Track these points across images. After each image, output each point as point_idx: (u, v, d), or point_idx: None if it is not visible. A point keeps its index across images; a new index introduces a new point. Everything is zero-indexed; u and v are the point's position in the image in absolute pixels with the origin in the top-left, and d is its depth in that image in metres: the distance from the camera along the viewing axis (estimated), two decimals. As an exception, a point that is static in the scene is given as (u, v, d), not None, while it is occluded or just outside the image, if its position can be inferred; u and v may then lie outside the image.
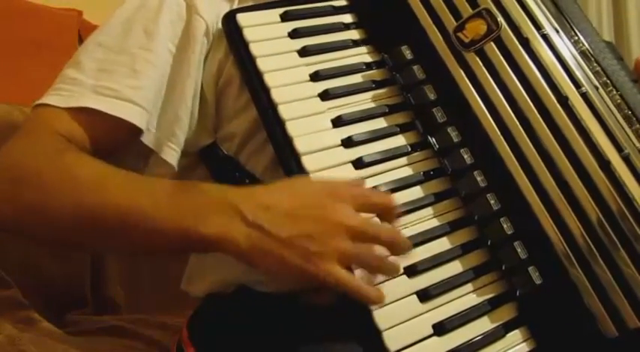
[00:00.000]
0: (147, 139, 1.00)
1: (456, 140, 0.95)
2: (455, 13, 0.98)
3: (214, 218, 0.82)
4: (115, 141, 0.99)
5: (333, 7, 1.05)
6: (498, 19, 0.95)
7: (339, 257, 0.81)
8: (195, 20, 1.02)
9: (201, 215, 0.83)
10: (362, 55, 1.03)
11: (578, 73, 0.93)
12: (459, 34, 0.96)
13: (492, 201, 0.92)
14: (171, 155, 1.00)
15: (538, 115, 0.92)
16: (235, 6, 1.05)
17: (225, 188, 0.87)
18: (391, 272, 0.85)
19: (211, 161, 1.06)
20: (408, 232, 0.90)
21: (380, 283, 0.86)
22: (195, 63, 1.01)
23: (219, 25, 1.03)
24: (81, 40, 1.77)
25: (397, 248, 0.85)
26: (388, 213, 0.86)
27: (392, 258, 0.85)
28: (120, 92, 0.96)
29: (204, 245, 0.83)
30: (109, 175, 0.89)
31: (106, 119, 0.95)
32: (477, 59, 0.95)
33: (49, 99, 0.96)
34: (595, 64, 0.95)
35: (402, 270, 0.87)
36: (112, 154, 0.99)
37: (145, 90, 0.98)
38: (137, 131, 0.98)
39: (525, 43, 0.94)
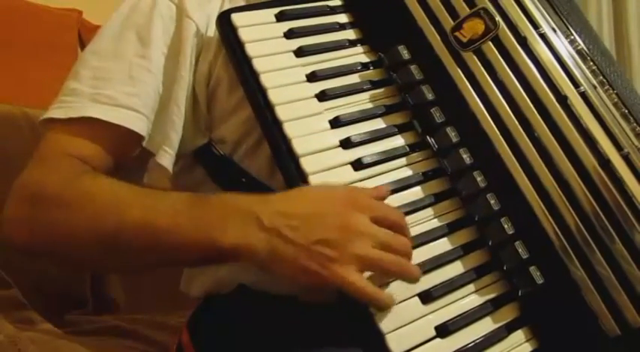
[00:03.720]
0: (146, 143, 0.95)
1: (455, 140, 0.89)
2: (452, 12, 0.92)
3: (232, 227, 0.78)
4: (121, 149, 0.95)
5: (329, 6, 1.00)
6: (496, 19, 0.90)
7: (357, 262, 0.76)
8: (185, 22, 0.97)
9: (219, 226, 0.78)
10: (358, 55, 0.97)
11: (577, 72, 0.88)
12: (457, 34, 0.91)
13: (492, 201, 0.86)
14: (166, 158, 0.96)
15: (537, 115, 0.86)
16: (226, 6, 1.00)
17: (241, 196, 0.82)
18: (411, 280, 0.80)
19: (207, 161, 1.01)
20: (408, 233, 0.84)
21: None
22: (187, 65, 0.97)
23: (209, 27, 0.99)
24: (81, 40, 1.74)
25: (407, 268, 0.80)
26: (399, 231, 0.81)
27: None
28: (117, 99, 0.92)
29: (224, 255, 0.79)
30: (126, 194, 0.85)
31: (107, 127, 0.91)
32: (475, 59, 0.90)
33: (53, 112, 0.93)
34: (591, 63, 0.90)
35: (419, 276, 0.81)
36: (124, 165, 0.96)
37: (142, 96, 0.94)
38: (137, 137, 0.94)
39: (523, 42, 0.89)
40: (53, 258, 0.91)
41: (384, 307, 0.78)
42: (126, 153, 0.96)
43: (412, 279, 0.80)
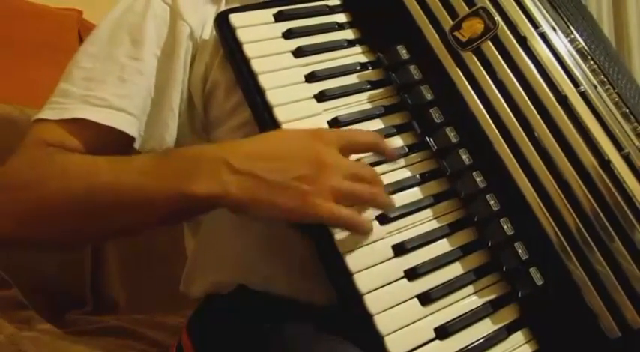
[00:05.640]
0: (137, 145, 0.94)
1: (454, 140, 0.87)
2: (451, 11, 0.90)
3: (203, 174, 0.77)
4: (110, 151, 0.92)
5: (327, 6, 0.98)
6: (495, 18, 0.88)
7: (332, 193, 0.76)
8: (179, 25, 0.95)
9: (189, 175, 0.77)
10: (357, 55, 0.95)
11: (577, 72, 0.87)
12: (456, 33, 0.89)
13: (492, 202, 0.85)
14: None
15: (537, 115, 0.85)
16: (222, 8, 0.98)
17: (208, 145, 0.83)
18: (385, 207, 0.82)
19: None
20: (407, 234, 0.83)
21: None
22: (181, 68, 0.95)
23: (204, 30, 0.97)
24: (81, 40, 1.72)
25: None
26: (378, 149, 0.82)
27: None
28: (109, 101, 0.91)
29: (199, 203, 0.78)
30: (96, 161, 0.85)
31: (98, 129, 0.90)
32: (475, 58, 0.88)
33: (44, 113, 0.91)
34: (592, 62, 0.88)
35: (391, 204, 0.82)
36: None
37: (134, 97, 0.92)
38: (128, 139, 0.92)
39: (523, 41, 0.87)
40: (39, 243, 0.90)
41: (363, 231, 0.79)
42: (114, 154, 0.93)
43: (384, 206, 0.81)
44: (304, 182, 0.76)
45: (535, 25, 0.88)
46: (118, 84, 0.92)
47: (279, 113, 0.86)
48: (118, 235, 1.04)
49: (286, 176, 0.76)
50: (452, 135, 0.87)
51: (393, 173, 0.86)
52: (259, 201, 0.76)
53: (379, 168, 0.85)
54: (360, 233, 0.79)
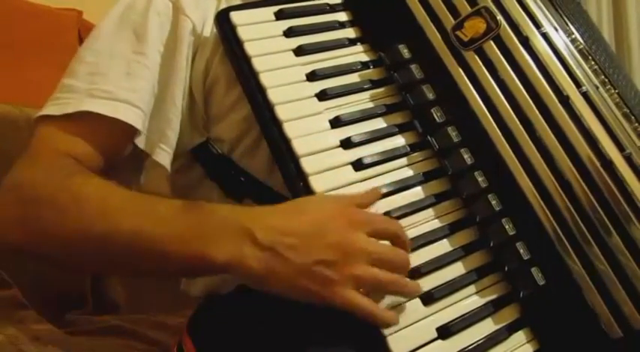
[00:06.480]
0: (140, 141, 0.92)
1: (455, 140, 0.86)
2: (453, 11, 0.89)
3: (225, 242, 0.74)
4: (117, 145, 0.92)
5: (328, 4, 0.97)
6: (498, 18, 0.87)
7: (355, 282, 0.74)
8: (181, 20, 0.95)
9: (211, 239, 0.75)
10: (358, 53, 0.94)
11: (578, 72, 0.86)
12: (458, 33, 0.88)
13: (494, 202, 0.84)
14: (164, 157, 0.93)
15: (539, 115, 0.84)
16: (222, 5, 0.97)
17: (235, 208, 0.80)
18: (408, 294, 0.78)
19: (205, 160, 0.99)
20: (409, 234, 0.82)
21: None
22: (183, 63, 0.94)
23: (206, 25, 0.96)
24: (81, 40, 1.71)
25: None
26: (399, 241, 0.79)
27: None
28: (115, 93, 0.89)
29: (216, 269, 0.75)
30: (116, 199, 0.81)
31: (104, 122, 0.88)
32: (477, 58, 0.87)
33: (48, 109, 0.89)
34: (593, 63, 0.87)
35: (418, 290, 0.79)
36: (115, 164, 0.93)
37: (139, 91, 0.91)
38: (134, 133, 0.91)
39: (525, 41, 0.86)
40: (47, 259, 0.88)
41: (388, 325, 0.76)
42: (121, 149, 0.93)
43: (410, 295, 0.78)
44: (327, 267, 0.73)
45: (537, 25, 0.87)
46: (124, 78, 0.91)
47: (281, 111, 0.85)
48: (126, 275, 1.04)
49: (309, 258, 0.73)
50: (453, 134, 0.87)
51: (394, 172, 0.86)
52: (277, 279, 0.74)
53: (382, 167, 0.85)
54: (379, 323, 0.76)
